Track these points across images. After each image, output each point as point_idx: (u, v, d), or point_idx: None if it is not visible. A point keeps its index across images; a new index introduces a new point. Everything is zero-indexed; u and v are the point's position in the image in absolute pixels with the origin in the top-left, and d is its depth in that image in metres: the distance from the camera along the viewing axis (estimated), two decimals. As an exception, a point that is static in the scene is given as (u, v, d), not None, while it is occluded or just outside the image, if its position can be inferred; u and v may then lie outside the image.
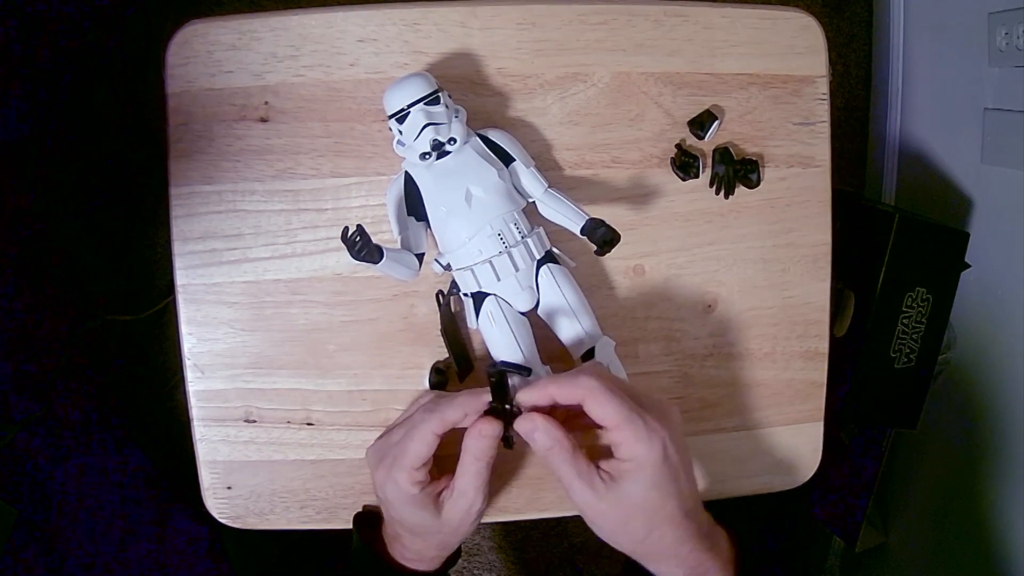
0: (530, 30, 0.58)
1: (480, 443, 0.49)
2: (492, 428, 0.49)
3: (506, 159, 0.55)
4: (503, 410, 0.49)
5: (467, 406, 0.49)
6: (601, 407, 0.46)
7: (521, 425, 0.48)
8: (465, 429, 0.50)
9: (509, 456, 0.61)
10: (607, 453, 0.49)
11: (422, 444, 0.49)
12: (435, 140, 0.50)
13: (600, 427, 0.48)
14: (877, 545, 1.19)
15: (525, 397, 0.49)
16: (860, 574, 1.23)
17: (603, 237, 0.53)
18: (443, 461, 0.52)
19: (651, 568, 0.50)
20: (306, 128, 0.58)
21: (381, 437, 0.54)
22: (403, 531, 0.54)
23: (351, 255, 0.48)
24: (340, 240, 0.48)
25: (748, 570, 0.52)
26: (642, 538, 0.48)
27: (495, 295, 0.54)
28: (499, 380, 0.49)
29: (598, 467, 0.48)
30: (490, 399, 0.49)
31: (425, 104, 0.50)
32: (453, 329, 0.59)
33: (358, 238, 0.47)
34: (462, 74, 0.58)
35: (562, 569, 1.39)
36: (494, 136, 0.55)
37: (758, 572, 0.52)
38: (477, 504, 0.51)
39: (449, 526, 0.52)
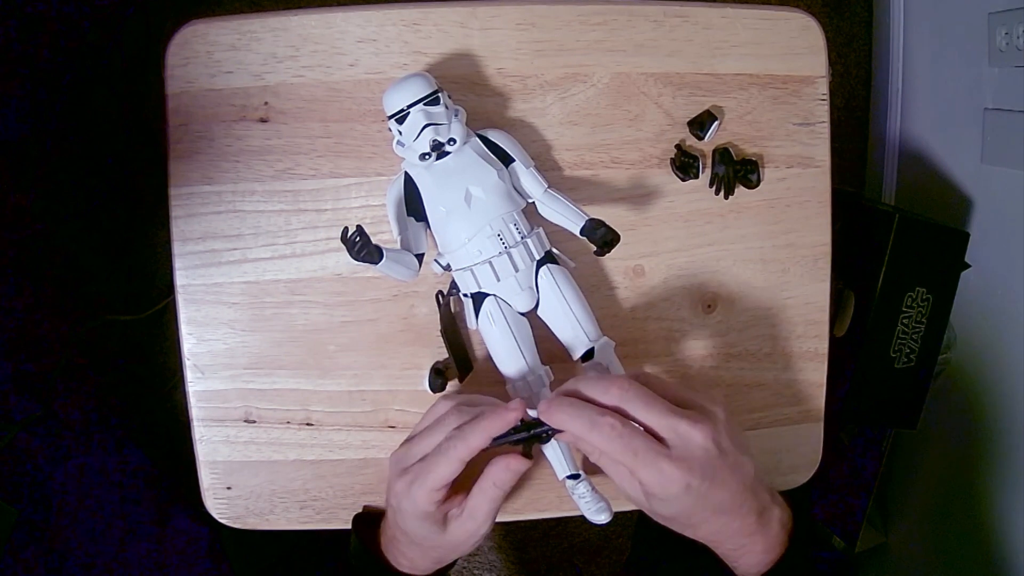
0: (530, 30, 0.58)
1: (505, 475, 0.50)
2: (520, 465, 0.49)
3: (506, 159, 0.55)
4: (527, 438, 0.49)
5: (491, 430, 0.48)
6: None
7: (565, 437, 0.50)
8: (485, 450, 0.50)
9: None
10: None
11: (448, 468, 0.49)
12: (435, 140, 0.50)
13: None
14: (877, 545, 1.19)
15: (545, 417, 0.49)
16: (860, 574, 1.23)
17: (603, 238, 0.53)
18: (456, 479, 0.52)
19: None
20: (306, 128, 0.58)
21: (404, 444, 0.53)
22: (402, 537, 0.54)
23: (351, 255, 0.48)
24: (340, 240, 0.48)
25: (795, 551, 0.52)
26: (680, 530, 0.51)
27: (495, 295, 0.54)
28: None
29: None
30: (515, 414, 0.49)
31: (425, 104, 0.50)
32: (453, 329, 0.59)
33: (358, 238, 0.47)
34: (462, 74, 0.58)
35: (562, 569, 1.39)
36: (494, 136, 0.55)
37: (802, 555, 0.53)
38: (484, 528, 0.52)
39: (450, 543, 0.52)
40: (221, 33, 0.57)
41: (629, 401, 0.47)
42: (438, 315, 0.59)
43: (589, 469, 0.55)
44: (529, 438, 0.49)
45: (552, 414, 0.48)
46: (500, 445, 0.49)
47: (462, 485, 0.52)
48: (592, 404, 0.48)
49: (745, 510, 0.50)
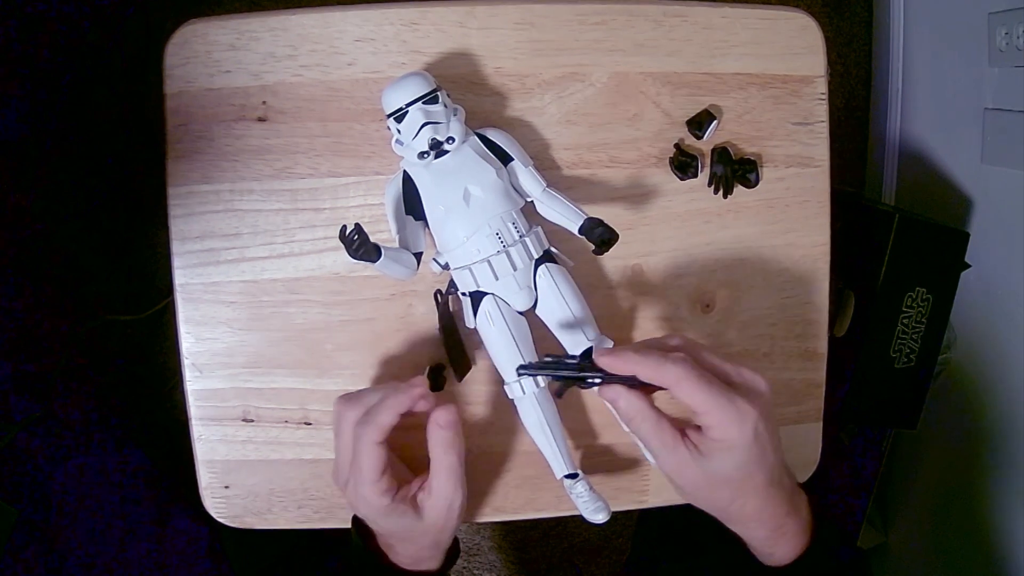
0: (528, 30, 0.58)
1: (443, 433, 0.49)
2: (447, 415, 0.49)
3: (504, 158, 0.55)
4: (575, 377, 0.48)
5: (398, 407, 0.49)
6: (691, 396, 0.46)
7: (605, 393, 0.48)
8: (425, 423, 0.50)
9: (506, 456, 0.61)
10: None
11: (369, 457, 0.49)
12: (433, 139, 0.50)
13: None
14: (877, 545, 1.19)
15: (606, 363, 0.48)
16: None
17: (601, 236, 0.53)
18: (411, 463, 0.52)
19: (734, 528, 0.52)
20: (304, 128, 0.58)
21: (335, 462, 0.54)
22: (393, 540, 0.54)
23: (349, 254, 0.48)
24: (338, 239, 0.48)
25: (822, 534, 0.52)
26: (726, 505, 0.50)
27: (493, 294, 0.54)
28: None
29: (684, 435, 0.48)
30: (419, 390, 0.49)
31: (423, 103, 0.50)
32: (451, 328, 0.59)
33: (356, 237, 0.47)
34: (460, 73, 0.58)
35: (562, 569, 1.39)
36: (492, 135, 0.55)
37: (829, 538, 0.53)
38: (457, 499, 0.51)
39: (434, 526, 0.52)
40: (220, 33, 0.57)
41: (682, 381, 0.46)
42: (436, 314, 0.59)
43: (587, 469, 0.55)
44: (576, 378, 0.48)
45: (616, 358, 0.47)
46: (548, 377, 0.50)
47: (418, 470, 0.52)
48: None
49: (785, 484, 0.50)
